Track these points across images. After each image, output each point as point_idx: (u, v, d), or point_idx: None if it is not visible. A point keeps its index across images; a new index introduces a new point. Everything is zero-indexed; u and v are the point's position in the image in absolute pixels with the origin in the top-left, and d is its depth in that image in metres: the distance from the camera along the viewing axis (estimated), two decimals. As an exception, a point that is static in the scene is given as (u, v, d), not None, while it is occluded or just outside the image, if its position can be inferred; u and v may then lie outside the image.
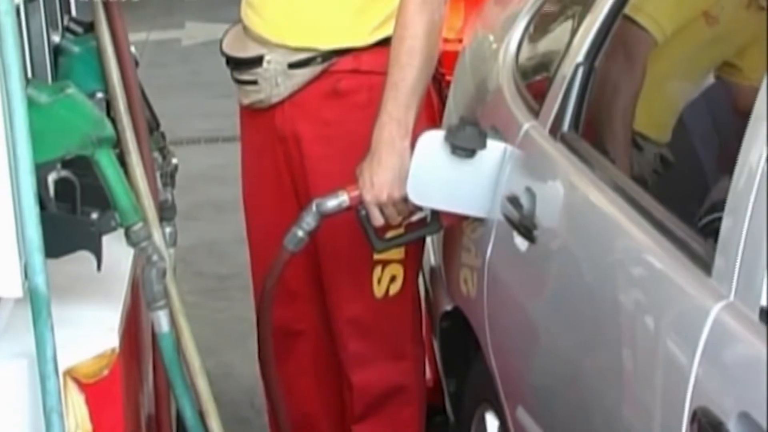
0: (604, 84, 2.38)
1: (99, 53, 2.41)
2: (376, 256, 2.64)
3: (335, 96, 2.62)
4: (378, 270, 2.67)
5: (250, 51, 2.64)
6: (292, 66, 2.61)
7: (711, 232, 1.80)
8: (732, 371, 1.64)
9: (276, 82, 2.62)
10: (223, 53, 2.72)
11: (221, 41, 2.75)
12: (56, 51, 2.44)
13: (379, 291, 2.69)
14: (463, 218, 2.56)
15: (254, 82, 2.65)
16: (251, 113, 2.73)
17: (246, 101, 2.71)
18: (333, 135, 2.62)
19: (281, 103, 2.65)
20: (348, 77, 2.61)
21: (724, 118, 2.36)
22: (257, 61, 2.63)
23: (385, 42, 2.55)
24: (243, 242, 2.97)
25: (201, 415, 2.41)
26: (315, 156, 2.64)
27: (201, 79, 6.97)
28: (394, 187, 2.47)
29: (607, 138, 2.38)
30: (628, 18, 2.41)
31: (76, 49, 2.44)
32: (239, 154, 2.88)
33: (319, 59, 2.60)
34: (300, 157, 2.67)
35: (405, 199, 2.49)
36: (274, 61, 2.61)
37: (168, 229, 2.61)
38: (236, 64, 2.69)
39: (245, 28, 2.69)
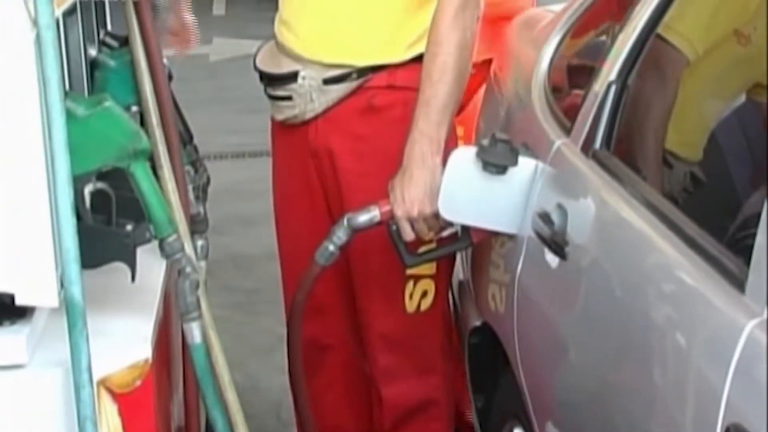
0: (636, 102, 2.38)
1: (132, 67, 2.43)
2: (408, 271, 2.65)
3: (370, 111, 2.63)
4: (410, 285, 2.68)
5: (285, 67, 2.66)
6: (327, 82, 2.62)
7: (744, 248, 1.80)
8: (765, 388, 1.64)
9: (311, 98, 2.64)
10: (256, 69, 2.74)
11: (254, 57, 2.76)
12: (92, 65, 2.47)
13: (410, 306, 2.70)
14: (493, 234, 2.57)
15: (288, 98, 2.66)
16: (283, 128, 2.74)
17: (279, 117, 2.72)
18: (367, 150, 2.64)
19: (315, 118, 2.66)
20: (383, 93, 2.62)
21: (756, 137, 2.36)
22: (292, 77, 2.64)
23: (420, 58, 2.57)
24: (269, 257, 2.98)
25: (231, 427, 2.43)
26: (349, 171, 2.65)
27: (228, 94, 7.01)
28: (425, 202, 2.48)
29: (639, 155, 2.38)
30: (659, 37, 2.41)
31: (111, 62, 2.46)
32: (266, 169, 2.89)
33: (354, 75, 2.62)
34: (334, 173, 2.68)
35: (436, 215, 2.50)
36: (308, 77, 2.63)
37: (200, 242, 2.63)
38: (270, 80, 2.70)
39: (279, 45, 2.70)
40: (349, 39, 2.62)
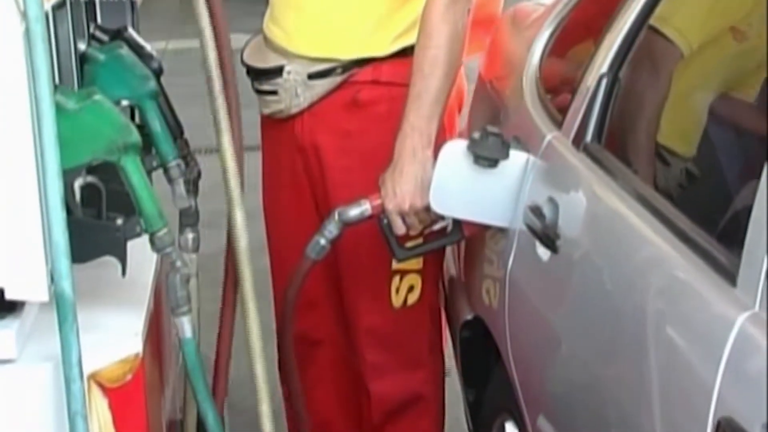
0: (628, 95, 2.38)
1: (199, 33, 2.47)
2: (394, 266, 2.66)
3: (355, 107, 2.63)
4: (396, 280, 2.68)
5: (271, 61, 2.66)
6: (312, 77, 2.62)
7: (735, 242, 1.80)
8: (757, 381, 1.64)
9: (296, 93, 2.64)
10: (243, 63, 2.74)
11: (242, 52, 2.76)
12: (82, 59, 2.46)
13: (397, 301, 2.70)
14: (484, 228, 2.57)
15: (274, 93, 2.66)
16: (271, 123, 2.75)
17: (266, 111, 2.72)
18: (353, 146, 2.63)
19: (301, 113, 2.66)
20: (368, 88, 2.62)
21: (748, 131, 2.35)
22: (277, 71, 2.64)
23: (405, 52, 2.56)
24: (260, 250, 2.97)
25: (223, 420, 2.43)
26: (335, 166, 2.65)
27: (219, 88, 6.98)
28: (416, 196, 2.48)
29: (631, 149, 2.38)
30: (654, 30, 2.41)
31: (101, 56, 2.45)
32: (257, 163, 2.89)
33: (339, 70, 2.61)
34: (320, 168, 2.68)
35: (427, 209, 2.50)
36: (294, 72, 2.63)
37: (191, 236, 2.64)
38: (256, 74, 2.70)
39: (266, 39, 2.70)
40: (334, 32, 2.61)
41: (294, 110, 2.66)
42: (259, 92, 2.70)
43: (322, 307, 2.80)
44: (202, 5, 2.43)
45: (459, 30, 2.49)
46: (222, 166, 2.45)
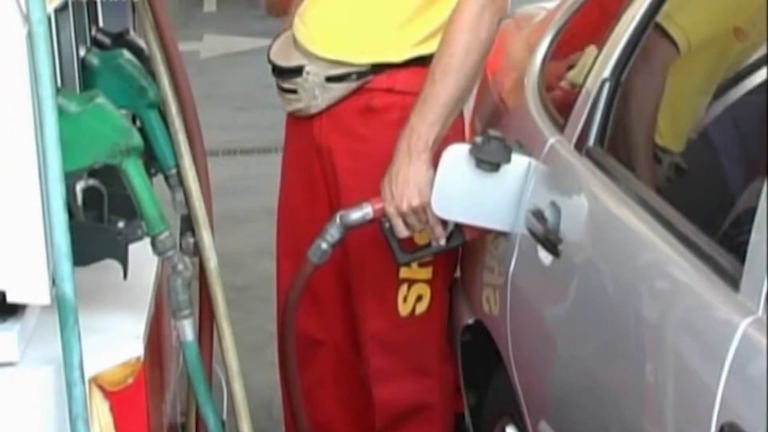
0: (625, 94, 2.38)
1: (149, 59, 2.45)
2: (402, 275, 2.65)
3: (369, 113, 2.63)
4: (404, 288, 2.67)
5: (293, 60, 2.66)
6: (330, 79, 2.62)
7: (738, 246, 1.80)
8: (760, 386, 1.64)
9: (314, 94, 2.64)
10: (269, 60, 2.74)
11: (269, 48, 2.76)
12: (83, 64, 2.45)
13: (404, 309, 2.69)
14: (486, 232, 2.56)
15: (295, 91, 2.67)
16: (294, 121, 2.76)
17: (288, 108, 2.74)
18: (365, 151, 2.63)
19: (320, 114, 2.67)
20: (382, 95, 2.61)
21: (751, 132, 2.36)
22: (298, 71, 2.64)
23: (422, 61, 2.55)
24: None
25: (223, 424, 2.43)
26: (347, 170, 2.65)
27: (219, 91, 6.99)
28: (413, 197, 2.47)
29: (628, 147, 2.38)
30: (656, 26, 2.40)
31: (101, 65, 2.44)
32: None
33: (354, 76, 2.61)
34: (333, 170, 2.68)
35: (426, 209, 2.49)
36: (313, 73, 2.63)
37: (190, 240, 2.63)
38: (280, 72, 2.70)
39: (294, 37, 2.70)
40: (352, 34, 2.60)
41: (313, 110, 2.67)
42: (282, 90, 2.71)
43: (329, 308, 2.80)
44: (150, 28, 2.42)
45: (482, 39, 2.46)
46: (185, 188, 2.46)
